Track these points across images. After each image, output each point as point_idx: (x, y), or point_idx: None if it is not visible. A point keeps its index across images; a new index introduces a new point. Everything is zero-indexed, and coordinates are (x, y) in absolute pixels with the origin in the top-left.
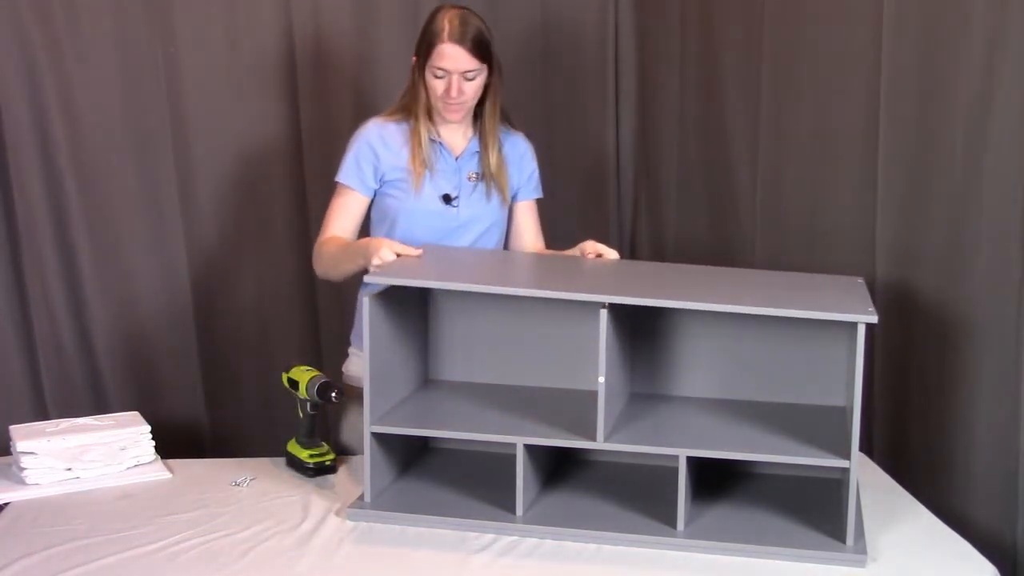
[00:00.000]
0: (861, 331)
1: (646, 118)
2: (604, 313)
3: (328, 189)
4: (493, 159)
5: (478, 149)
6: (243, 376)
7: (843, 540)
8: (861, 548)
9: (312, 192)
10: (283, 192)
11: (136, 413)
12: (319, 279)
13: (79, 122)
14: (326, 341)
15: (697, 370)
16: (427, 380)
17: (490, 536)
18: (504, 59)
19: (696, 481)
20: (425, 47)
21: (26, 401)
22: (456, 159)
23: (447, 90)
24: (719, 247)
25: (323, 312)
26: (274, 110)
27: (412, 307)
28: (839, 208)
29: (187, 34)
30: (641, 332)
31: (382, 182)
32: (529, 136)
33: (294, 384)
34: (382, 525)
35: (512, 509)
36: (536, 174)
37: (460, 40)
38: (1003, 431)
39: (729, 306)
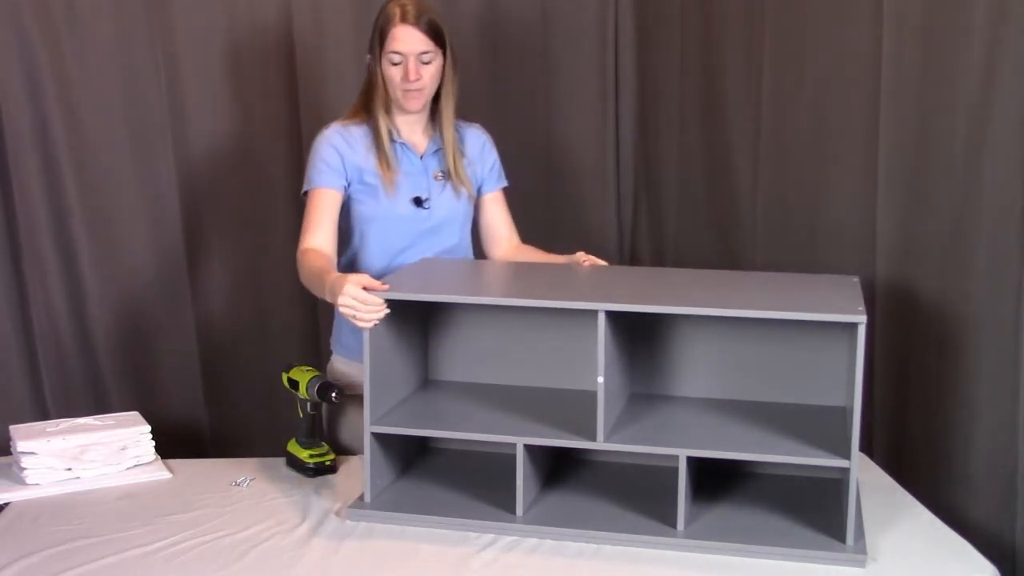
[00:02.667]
0: (861, 331)
1: (646, 118)
2: (602, 316)
3: None
4: (456, 155)
5: (440, 146)
6: (243, 376)
7: (843, 540)
8: (861, 548)
9: None
10: (283, 191)
11: (136, 413)
12: None
13: (79, 122)
14: (326, 341)
15: (697, 370)
16: (427, 380)
17: (490, 536)
18: (504, 59)
19: (696, 481)
20: (379, 35)
21: (26, 401)
22: (421, 158)
23: (405, 75)
24: (719, 247)
25: (323, 312)
26: (274, 109)
27: (412, 308)
28: (839, 207)
29: (187, 33)
30: (640, 333)
31: (348, 186)
32: (530, 136)
33: (294, 384)
34: (382, 525)
35: (512, 509)
36: (498, 163)
37: (415, 22)
38: (1003, 431)
39: (721, 310)
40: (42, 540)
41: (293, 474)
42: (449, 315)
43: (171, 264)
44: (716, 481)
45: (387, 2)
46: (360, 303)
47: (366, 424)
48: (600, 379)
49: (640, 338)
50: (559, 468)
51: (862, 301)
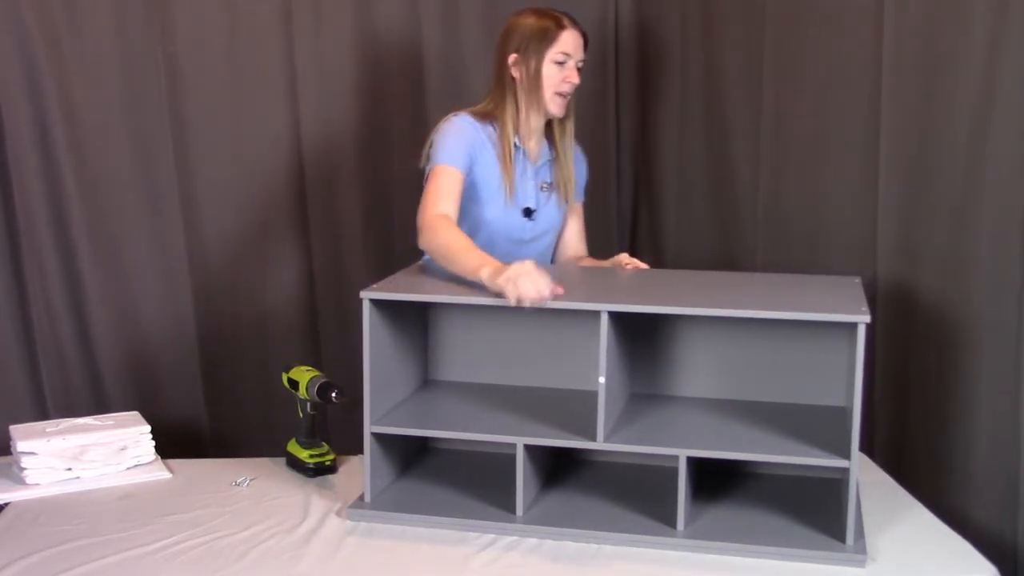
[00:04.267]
0: (861, 331)
1: (646, 118)
2: (604, 317)
3: (328, 188)
4: (570, 167)
5: (550, 157)
6: (243, 376)
7: (843, 540)
8: (861, 548)
9: (312, 191)
10: (283, 192)
11: (136, 413)
12: (318, 279)
13: (79, 122)
14: (326, 341)
15: (697, 370)
16: (427, 381)
17: (490, 536)
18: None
19: (696, 481)
20: (541, 36)
21: (26, 401)
22: (534, 165)
23: (567, 77)
24: (720, 247)
25: (323, 312)
26: (274, 110)
27: (412, 308)
28: (840, 208)
29: (187, 34)
30: (641, 333)
31: (472, 170)
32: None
33: (294, 384)
34: (382, 525)
35: (512, 509)
36: (586, 177)
37: (579, 30)
38: (1003, 430)
39: (722, 310)
40: (42, 540)
41: (293, 474)
42: (449, 315)
43: (171, 264)
44: (716, 481)
45: (527, 10)
46: (536, 277)
47: (366, 424)
48: (601, 379)
49: (640, 338)
50: (559, 468)
51: (865, 301)
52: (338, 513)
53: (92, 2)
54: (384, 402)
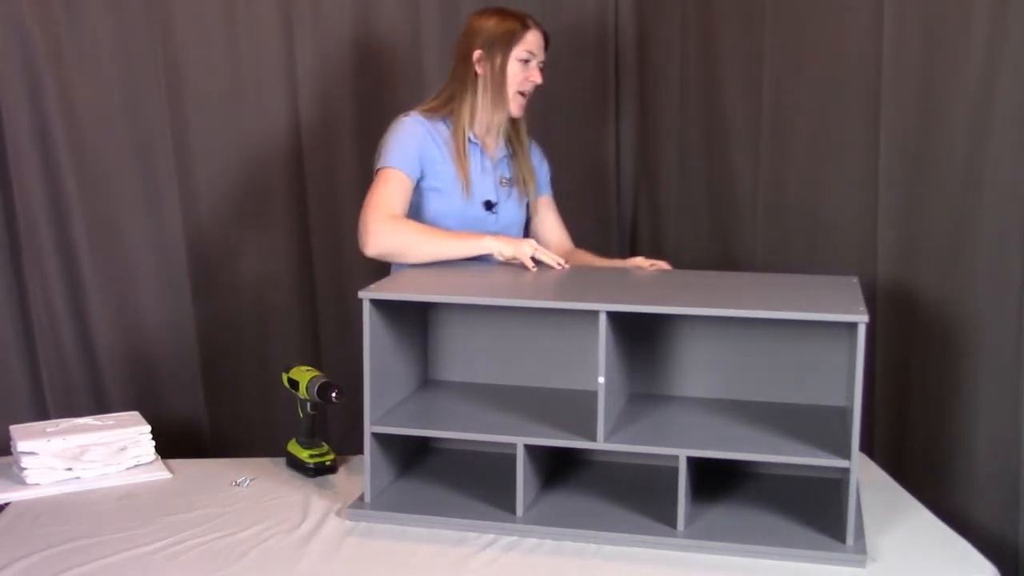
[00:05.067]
0: (861, 331)
1: (646, 118)
2: (603, 317)
3: (328, 188)
4: (528, 162)
5: (507, 153)
6: (243, 376)
7: (843, 540)
8: (861, 548)
9: (312, 191)
10: (283, 192)
11: (136, 413)
12: (318, 279)
13: (79, 122)
14: (326, 341)
15: (697, 370)
16: (427, 380)
17: (490, 536)
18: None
19: (696, 481)
20: (507, 35)
21: (26, 401)
22: (492, 159)
23: (529, 75)
24: (720, 247)
25: (323, 312)
26: (274, 110)
27: (412, 308)
28: (840, 208)
29: (187, 34)
30: (641, 333)
31: (422, 178)
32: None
33: (294, 384)
34: (382, 525)
35: (512, 509)
36: (549, 171)
37: (541, 31)
38: (1003, 431)
39: (721, 310)
40: (42, 540)
41: (293, 474)
42: (449, 315)
43: (171, 264)
44: (716, 481)
45: (490, 9)
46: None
47: (366, 424)
48: (601, 379)
49: (640, 338)
50: (559, 468)
51: (863, 301)
52: (338, 513)
53: (92, 2)
54: (384, 402)
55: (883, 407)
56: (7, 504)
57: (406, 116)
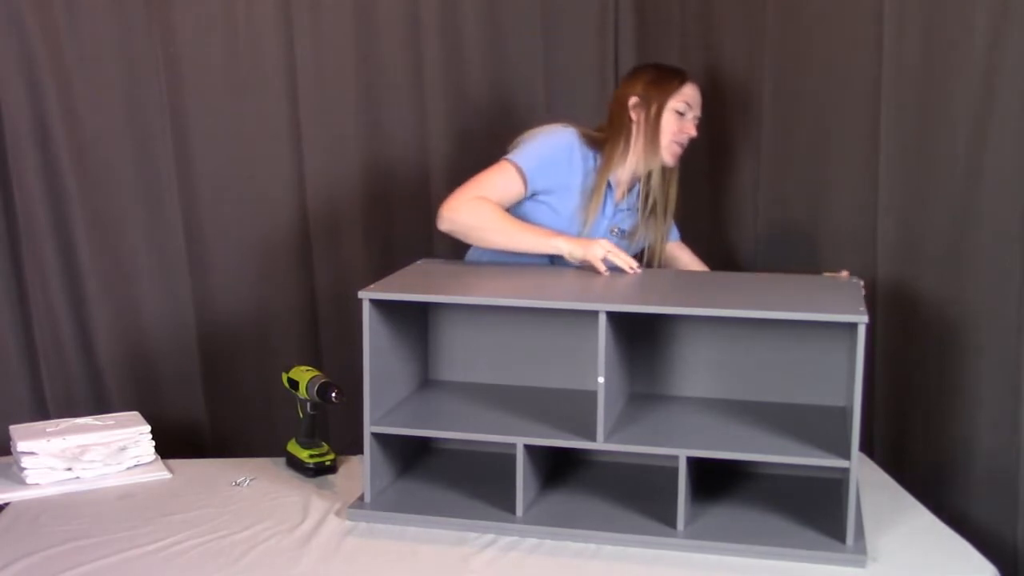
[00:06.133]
0: (861, 331)
1: None
2: (603, 317)
3: (327, 188)
4: (662, 224)
5: (632, 205)
6: (243, 376)
7: (843, 540)
8: (861, 548)
9: (312, 191)
10: (283, 192)
11: (136, 413)
12: (318, 279)
13: (79, 122)
14: (326, 341)
15: (697, 370)
16: (427, 380)
17: (490, 536)
18: (503, 59)
19: (696, 481)
20: (665, 84)
21: (26, 401)
22: (615, 206)
23: (685, 127)
24: (720, 247)
25: (323, 312)
26: (274, 110)
27: (412, 309)
28: (840, 208)
29: (187, 34)
30: (641, 333)
31: (544, 191)
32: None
33: (294, 384)
34: (382, 525)
35: (512, 509)
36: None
37: (697, 86)
38: (1004, 431)
39: (721, 310)
40: (42, 540)
41: (293, 474)
42: (449, 315)
43: (171, 264)
44: (716, 481)
45: (656, 63)
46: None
47: (366, 424)
48: (600, 379)
49: (640, 338)
50: (559, 468)
51: (863, 301)
52: (338, 513)
53: (92, 2)
54: (384, 402)
55: (883, 407)
56: (7, 504)
57: (565, 128)
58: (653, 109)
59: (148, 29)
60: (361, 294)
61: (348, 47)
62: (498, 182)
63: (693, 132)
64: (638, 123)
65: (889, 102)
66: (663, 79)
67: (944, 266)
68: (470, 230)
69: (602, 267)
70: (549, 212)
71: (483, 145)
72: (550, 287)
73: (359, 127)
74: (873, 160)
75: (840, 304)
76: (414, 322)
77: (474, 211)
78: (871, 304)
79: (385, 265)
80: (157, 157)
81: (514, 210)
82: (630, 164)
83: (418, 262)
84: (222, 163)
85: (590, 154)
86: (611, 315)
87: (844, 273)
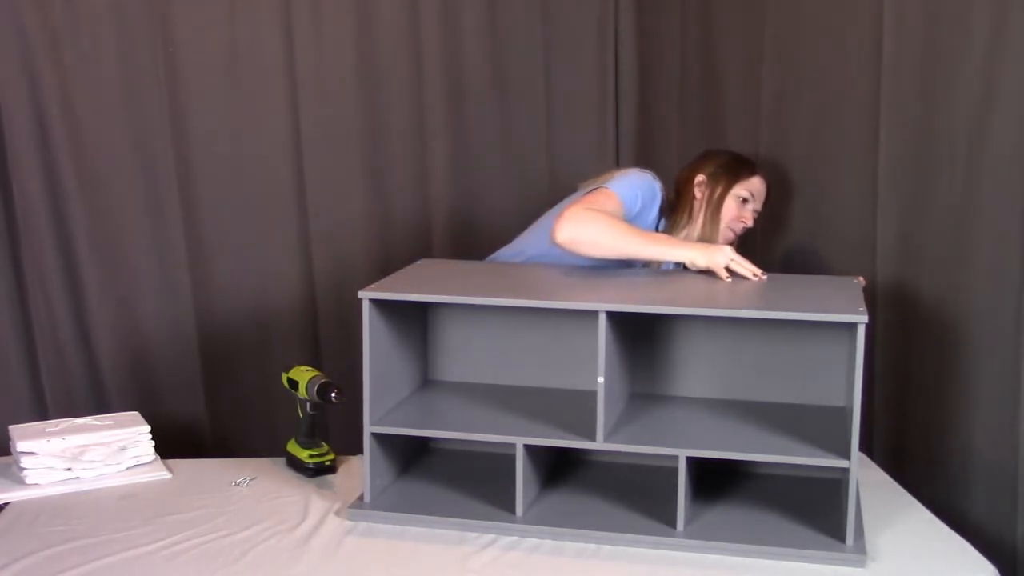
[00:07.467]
0: (861, 331)
1: (646, 118)
2: (603, 317)
3: (327, 187)
4: None
5: (675, 267)
6: (243, 376)
7: (843, 540)
8: (861, 548)
9: (312, 191)
10: (283, 192)
11: (136, 413)
12: (318, 279)
13: (79, 122)
14: (326, 341)
15: (697, 370)
16: (427, 380)
17: (490, 536)
18: (504, 59)
19: (696, 481)
20: (734, 170)
21: (26, 401)
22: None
23: (742, 216)
24: None
25: (323, 312)
26: (274, 109)
27: (412, 308)
28: (839, 208)
29: (187, 34)
30: (641, 333)
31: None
32: (530, 137)
33: (294, 384)
34: (382, 525)
35: (512, 509)
36: None
37: (766, 180)
38: (1003, 431)
39: (721, 310)
40: (42, 540)
41: (293, 474)
42: (449, 315)
43: (171, 264)
44: (716, 481)
45: (731, 151)
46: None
47: (366, 424)
48: (600, 379)
49: (640, 338)
50: (559, 468)
51: (863, 301)
52: (338, 513)
53: (92, 2)
54: (384, 402)
55: (883, 407)
56: (7, 504)
57: (655, 180)
58: (719, 191)
59: (148, 29)
60: (361, 294)
61: (348, 47)
62: (606, 204)
63: (750, 222)
64: (701, 201)
65: (889, 102)
66: (735, 165)
67: (944, 266)
68: (591, 238)
69: (725, 274)
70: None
71: (483, 145)
72: (550, 287)
73: (359, 125)
74: (872, 160)
75: (840, 304)
76: (414, 322)
77: (592, 220)
78: (871, 304)
79: (385, 264)
80: (157, 157)
81: None
82: (688, 236)
83: (418, 262)
84: (222, 163)
85: (661, 217)
86: (611, 315)
87: (860, 279)
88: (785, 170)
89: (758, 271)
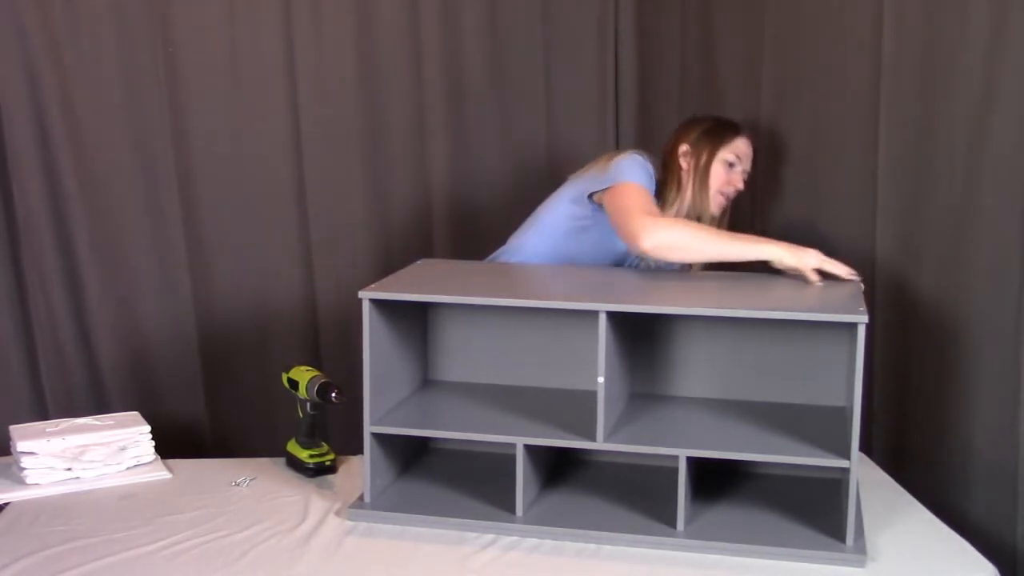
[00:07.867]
0: (861, 331)
1: (646, 118)
2: (603, 317)
3: (327, 187)
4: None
5: None
6: (243, 376)
7: (843, 540)
8: (861, 548)
9: (312, 191)
10: (283, 192)
11: (136, 413)
12: (318, 279)
13: (79, 122)
14: (326, 341)
15: (697, 370)
16: (427, 380)
17: (490, 536)
18: (504, 59)
19: (696, 481)
20: (717, 135)
21: (26, 401)
22: None
23: (732, 180)
24: None
25: (323, 312)
26: (274, 109)
27: (412, 309)
28: (839, 208)
29: (187, 34)
30: (641, 333)
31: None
32: (530, 136)
33: (294, 384)
34: (382, 525)
35: (512, 509)
36: None
37: (751, 139)
38: (1003, 431)
39: (721, 310)
40: (42, 540)
41: (293, 474)
42: (449, 315)
43: (171, 264)
44: (716, 481)
45: (712, 115)
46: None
47: (366, 424)
48: (600, 379)
49: (640, 338)
50: (559, 468)
51: (863, 301)
52: (338, 513)
53: (92, 2)
54: (384, 402)
55: (883, 407)
56: (7, 504)
57: (643, 157)
58: (704, 157)
59: (148, 29)
60: (361, 294)
61: (348, 47)
62: (646, 200)
63: (740, 185)
64: (687, 171)
65: (889, 102)
66: (717, 129)
67: (944, 266)
68: (683, 243)
69: (814, 276)
70: (604, 231)
71: (483, 145)
72: (550, 287)
73: (359, 125)
74: (872, 160)
75: (840, 304)
76: (414, 322)
77: (675, 226)
78: (871, 304)
79: (385, 264)
80: (157, 157)
81: (568, 223)
82: (681, 212)
83: (418, 262)
84: (222, 163)
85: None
86: (611, 315)
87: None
88: (785, 170)
89: (853, 272)
